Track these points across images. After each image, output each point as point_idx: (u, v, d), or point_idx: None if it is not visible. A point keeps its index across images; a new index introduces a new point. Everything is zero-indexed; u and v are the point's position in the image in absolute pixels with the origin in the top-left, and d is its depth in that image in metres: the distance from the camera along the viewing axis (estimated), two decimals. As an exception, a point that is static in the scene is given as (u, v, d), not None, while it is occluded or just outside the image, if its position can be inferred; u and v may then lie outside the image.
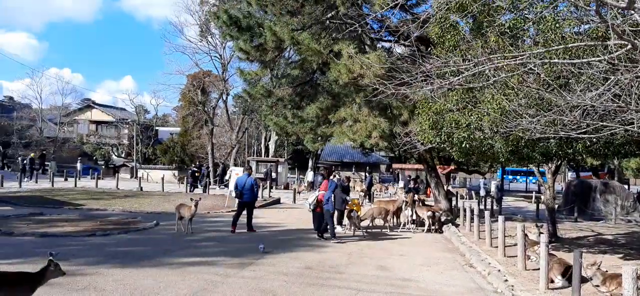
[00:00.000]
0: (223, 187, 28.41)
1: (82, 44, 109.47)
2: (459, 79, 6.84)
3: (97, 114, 53.51)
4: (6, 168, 31.56)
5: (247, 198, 13.09)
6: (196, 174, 27.56)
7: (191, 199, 12.98)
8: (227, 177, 24.73)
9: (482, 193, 25.74)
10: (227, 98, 41.36)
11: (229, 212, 17.95)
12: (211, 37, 37.49)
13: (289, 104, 18.06)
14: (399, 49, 18.17)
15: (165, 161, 42.57)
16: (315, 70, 17.81)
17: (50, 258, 5.28)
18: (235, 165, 35.90)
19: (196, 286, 7.30)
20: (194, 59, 40.12)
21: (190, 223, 12.55)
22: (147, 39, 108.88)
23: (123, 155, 48.45)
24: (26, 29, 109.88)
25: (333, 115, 16.25)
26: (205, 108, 40.59)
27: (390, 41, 18.23)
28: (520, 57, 6.00)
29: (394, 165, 40.57)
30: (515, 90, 7.13)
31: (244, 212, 13.18)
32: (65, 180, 28.45)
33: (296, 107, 17.95)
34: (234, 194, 20.06)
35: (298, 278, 8.15)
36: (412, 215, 15.07)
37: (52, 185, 24.72)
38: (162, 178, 28.10)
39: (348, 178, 16.12)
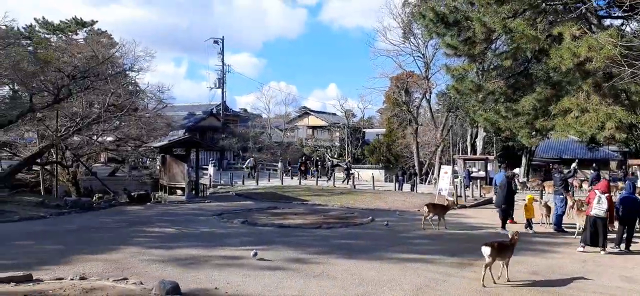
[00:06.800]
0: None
1: (292, 58, 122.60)
2: None
3: (312, 120, 59.15)
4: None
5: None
6: (301, 168, 31.09)
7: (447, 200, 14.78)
8: (434, 176, 24.59)
9: None
10: (430, 97, 41.11)
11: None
12: (413, 38, 37.81)
13: (500, 97, 16.98)
14: (631, 26, 15.43)
15: (373, 160, 44.47)
16: (529, 58, 16.43)
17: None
18: (441, 164, 35.36)
19: (418, 282, 7.46)
20: (397, 61, 41.02)
21: (443, 219, 13.07)
22: (346, 47, 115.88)
23: (335, 156, 52.37)
24: (247, 49, 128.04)
25: (554, 106, 14.68)
26: (409, 108, 41.05)
27: (621, 17, 15.60)
28: None
29: (630, 161, 34.37)
30: None
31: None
32: (291, 178, 32.12)
33: (509, 100, 16.76)
34: (444, 193, 19.82)
35: (519, 282, 7.63)
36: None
37: (282, 183, 28.20)
38: (372, 177, 29.35)
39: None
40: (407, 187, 26.48)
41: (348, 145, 47.72)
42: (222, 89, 47.17)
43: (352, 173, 29.29)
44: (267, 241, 10.69)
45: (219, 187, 26.67)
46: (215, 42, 46.97)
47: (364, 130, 53.48)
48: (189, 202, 19.05)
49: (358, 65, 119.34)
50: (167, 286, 6.56)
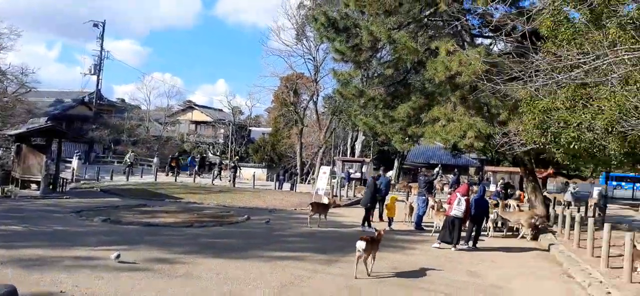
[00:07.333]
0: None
1: (181, 49, 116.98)
2: (572, 75, 6.24)
3: (197, 115, 56.84)
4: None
5: (384, 194, 15.33)
6: (172, 164, 30.77)
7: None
8: (314, 176, 25.05)
9: (568, 198, 23.18)
10: (317, 99, 42.13)
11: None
12: (306, 40, 38.47)
13: (380, 104, 17.76)
14: (498, 46, 17.22)
15: (257, 159, 44.17)
16: (409, 69, 17.45)
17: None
18: (322, 164, 36.28)
19: (284, 279, 7.39)
20: (288, 61, 41.38)
21: (325, 217, 13.87)
22: (238, 44, 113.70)
23: (218, 153, 50.99)
24: (132, 37, 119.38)
25: (425, 115, 15.76)
26: (296, 109, 41.57)
27: (490, 37, 17.31)
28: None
29: (486, 168, 38.57)
30: (638, 85, 6.34)
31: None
32: (167, 175, 30.43)
33: (387, 107, 17.59)
34: (321, 192, 20.22)
35: (380, 276, 7.96)
36: (497, 220, 14.26)
37: (155, 179, 26.55)
38: (253, 176, 29.05)
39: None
40: (287, 186, 26.66)
41: (232, 143, 46.76)
42: (98, 76, 43.16)
43: (237, 173, 28.83)
44: (130, 241, 9.85)
45: (82, 182, 24.21)
46: (95, 25, 42.82)
47: (251, 128, 52.89)
48: (44, 198, 17.05)
49: (250, 62, 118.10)
50: (1, 290, 5.64)
